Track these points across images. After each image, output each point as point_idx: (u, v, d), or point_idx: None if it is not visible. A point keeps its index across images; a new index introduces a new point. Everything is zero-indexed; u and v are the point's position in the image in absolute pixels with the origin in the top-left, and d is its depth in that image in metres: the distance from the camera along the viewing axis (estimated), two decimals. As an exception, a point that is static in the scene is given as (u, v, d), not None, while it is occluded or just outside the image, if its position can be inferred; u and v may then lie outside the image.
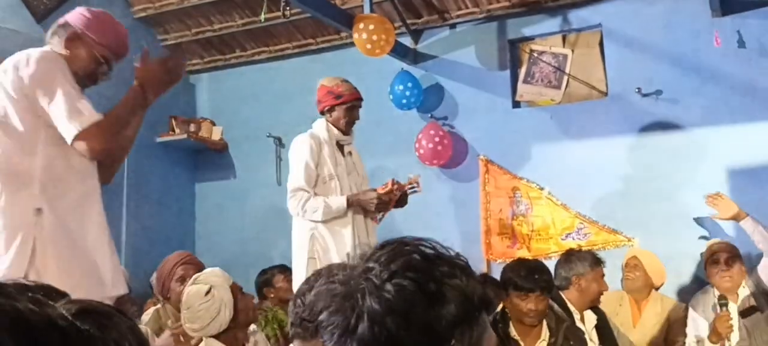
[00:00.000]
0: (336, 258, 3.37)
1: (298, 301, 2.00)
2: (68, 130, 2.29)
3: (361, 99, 3.78)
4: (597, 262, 3.71)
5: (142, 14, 5.93)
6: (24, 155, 2.33)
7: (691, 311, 4.13)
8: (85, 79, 2.49)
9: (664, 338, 4.25)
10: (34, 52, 2.37)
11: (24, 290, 0.72)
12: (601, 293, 3.69)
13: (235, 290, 2.64)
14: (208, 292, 2.56)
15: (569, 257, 3.79)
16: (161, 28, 6.17)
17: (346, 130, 3.73)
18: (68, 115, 2.29)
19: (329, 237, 3.55)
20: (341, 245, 3.53)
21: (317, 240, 3.56)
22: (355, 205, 3.60)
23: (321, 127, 3.70)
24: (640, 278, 4.28)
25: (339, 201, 3.54)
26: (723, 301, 3.81)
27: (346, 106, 3.67)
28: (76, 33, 2.47)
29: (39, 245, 2.27)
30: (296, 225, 3.67)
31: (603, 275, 3.71)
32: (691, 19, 4.89)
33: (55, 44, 2.49)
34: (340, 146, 3.75)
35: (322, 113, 3.73)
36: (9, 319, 0.63)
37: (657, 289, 4.34)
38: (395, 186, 3.69)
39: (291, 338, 2.15)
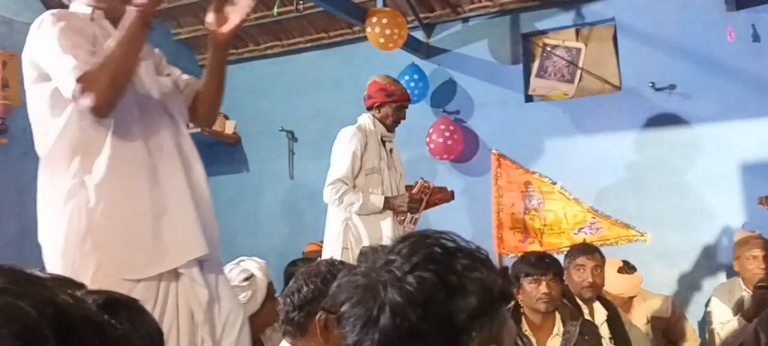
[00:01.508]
0: None
1: (288, 300, 2.00)
2: (66, 92, 1.96)
3: (409, 100, 3.97)
4: (575, 254, 3.57)
5: (157, 7, 5.94)
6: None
7: (714, 299, 4.09)
8: None
9: (664, 338, 4.09)
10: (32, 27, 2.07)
11: (59, 283, 0.73)
12: (590, 286, 3.46)
13: (270, 289, 2.70)
14: (248, 278, 2.63)
15: (569, 250, 3.79)
16: (175, 22, 6.20)
17: (391, 128, 3.86)
18: (59, 77, 1.97)
19: (362, 228, 3.65)
20: (376, 236, 3.61)
21: (350, 230, 3.66)
22: (389, 208, 3.71)
23: (367, 121, 3.82)
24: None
25: (377, 200, 3.66)
26: (762, 283, 3.74)
27: (396, 106, 3.82)
28: None
29: (85, 219, 1.99)
30: (331, 214, 3.78)
31: (582, 267, 3.50)
32: (705, 14, 4.87)
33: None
34: (383, 142, 3.85)
35: (370, 109, 3.85)
36: (52, 312, 0.64)
37: (632, 298, 4.07)
38: (425, 185, 3.85)
39: (282, 335, 2.15)
